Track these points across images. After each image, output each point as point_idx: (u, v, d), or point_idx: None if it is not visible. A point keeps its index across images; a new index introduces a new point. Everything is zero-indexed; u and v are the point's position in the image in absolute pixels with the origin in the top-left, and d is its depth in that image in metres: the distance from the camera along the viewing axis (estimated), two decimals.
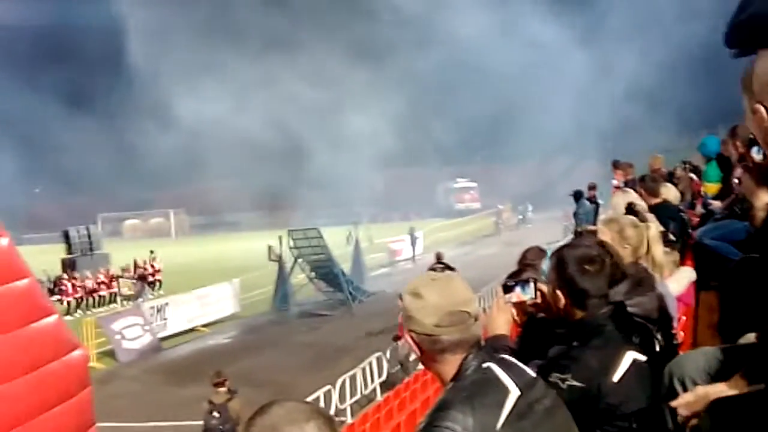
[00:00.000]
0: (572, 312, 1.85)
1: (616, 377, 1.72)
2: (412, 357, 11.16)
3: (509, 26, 44.49)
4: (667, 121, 39.91)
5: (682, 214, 5.07)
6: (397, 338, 11.42)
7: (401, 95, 46.77)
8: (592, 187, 11.53)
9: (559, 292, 1.85)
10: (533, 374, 1.53)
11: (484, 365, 1.46)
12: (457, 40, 48.03)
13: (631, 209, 2.98)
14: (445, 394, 1.45)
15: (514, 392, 1.42)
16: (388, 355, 10.71)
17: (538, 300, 1.97)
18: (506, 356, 1.56)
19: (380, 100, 46.32)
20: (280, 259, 19.51)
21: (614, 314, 1.84)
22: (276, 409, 1.10)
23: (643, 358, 1.78)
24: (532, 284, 1.96)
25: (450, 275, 1.56)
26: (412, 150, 49.16)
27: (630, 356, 1.76)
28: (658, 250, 2.68)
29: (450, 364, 1.47)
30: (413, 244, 28.74)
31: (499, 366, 1.47)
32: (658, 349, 1.95)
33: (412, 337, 1.50)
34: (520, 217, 34.35)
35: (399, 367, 11.18)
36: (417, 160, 51.12)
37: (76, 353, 4.22)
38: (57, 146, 51.20)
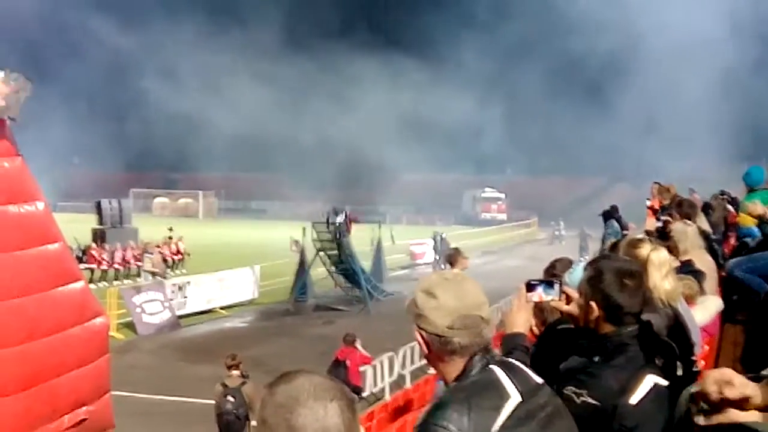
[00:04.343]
0: (602, 325, 1.80)
1: (634, 400, 1.67)
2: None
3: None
4: (707, 149, 39.07)
5: (714, 244, 4.96)
6: None
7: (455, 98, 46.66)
8: (614, 208, 11.37)
9: (593, 304, 1.79)
10: (539, 380, 1.50)
11: (489, 368, 1.44)
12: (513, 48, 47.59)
13: (662, 232, 2.93)
14: (445, 394, 1.45)
15: (515, 398, 1.40)
16: (399, 356, 10.67)
17: (563, 302, 1.89)
18: (513, 360, 1.52)
19: (425, 103, 46.37)
20: (302, 251, 19.63)
21: (640, 334, 1.79)
22: (302, 380, 1.05)
23: (664, 382, 1.72)
24: (557, 286, 1.88)
25: (462, 276, 1.52)
26: (446, 155, 48.98)
27: (651, 380, 1.70)
28: (657, 275, 2.62)
29: (456, 365, 1.47)
30: (435, 248, 28.63)
31: (503, 370, 1.45)
32: (680, 373, 1.91)
33: (422, 335, 1.49)
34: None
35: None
36: (451, 165, 50.87)
37: (99, 320, 4.31)
38: (100, 118, 52.45)
